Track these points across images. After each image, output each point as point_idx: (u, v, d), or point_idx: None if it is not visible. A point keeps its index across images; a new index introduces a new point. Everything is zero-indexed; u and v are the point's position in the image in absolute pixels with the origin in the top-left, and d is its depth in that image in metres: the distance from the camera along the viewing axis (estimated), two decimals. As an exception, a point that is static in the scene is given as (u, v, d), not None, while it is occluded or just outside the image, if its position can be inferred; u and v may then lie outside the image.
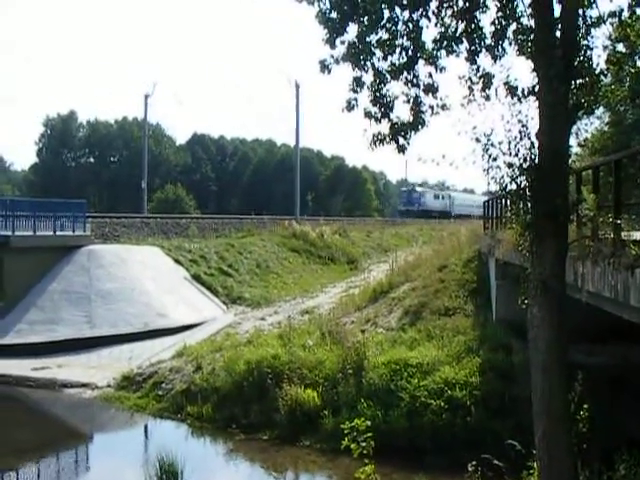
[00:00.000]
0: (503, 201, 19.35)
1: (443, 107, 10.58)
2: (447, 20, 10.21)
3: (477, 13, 10.10)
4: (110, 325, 27.51)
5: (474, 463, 12.15)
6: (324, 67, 10.66)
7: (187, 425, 19.13)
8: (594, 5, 9.60)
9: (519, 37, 9.86)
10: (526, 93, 9.74)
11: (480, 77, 10.28)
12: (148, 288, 30.22)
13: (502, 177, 9.71)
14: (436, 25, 10.27)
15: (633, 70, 16.95)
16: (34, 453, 18.08)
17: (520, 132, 9.53)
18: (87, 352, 25.71)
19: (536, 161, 9.44)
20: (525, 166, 9.47)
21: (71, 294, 29.01)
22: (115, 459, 17.96)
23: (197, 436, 18.73)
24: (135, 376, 22.43)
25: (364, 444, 11.54)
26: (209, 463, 17.36)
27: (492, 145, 9.62)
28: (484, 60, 10.24)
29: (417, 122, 10.61)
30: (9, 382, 23.31)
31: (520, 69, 10.61)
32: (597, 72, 9.60)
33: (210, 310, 30.99)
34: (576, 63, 9.35)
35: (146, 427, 20.40)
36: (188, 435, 18.78)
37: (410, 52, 10.40)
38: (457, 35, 10.21)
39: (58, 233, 31.09)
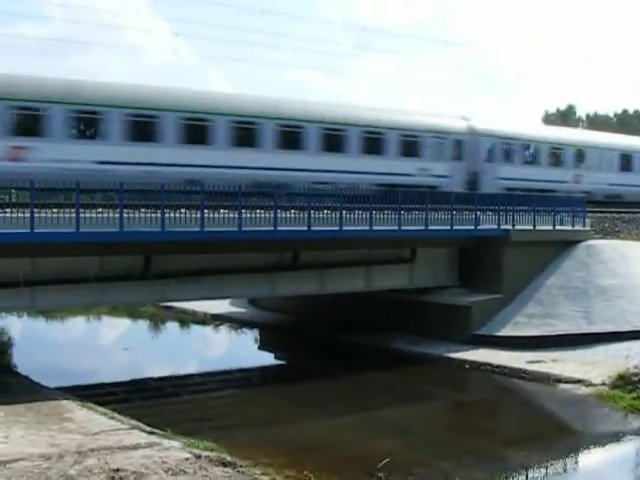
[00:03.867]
0: None
1: None
2: None
3: None
4: (608, 322, 26.48)
5: None
6: None
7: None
8: None
9: None
10: None
11: None
12: (649, 285, 28.48)
13: None
14: None
15: None
16: (524, 444, 18.17)
17: None
18: (583, 348, 25.15)
19: None
20: None
21: (569, 289, 28.63)
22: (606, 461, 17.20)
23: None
24: (631, 375, 21.31)
25: None
26: None
27: None
28: None
29: None
30: (505, 373, 23.88)
31: None
32: None
33: None
34: None
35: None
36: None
37: None
38: None
39: (557, 227, 30.90)
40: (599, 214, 35.90)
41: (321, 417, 20.00)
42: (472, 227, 28.54)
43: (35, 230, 19.16)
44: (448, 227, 27.67)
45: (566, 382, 22.30)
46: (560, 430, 20.13)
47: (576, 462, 17.54)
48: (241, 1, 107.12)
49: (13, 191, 21.64)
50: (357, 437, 17.90)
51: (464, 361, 25.33)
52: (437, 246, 29.17)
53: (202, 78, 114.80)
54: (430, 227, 26.99)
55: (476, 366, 24.83)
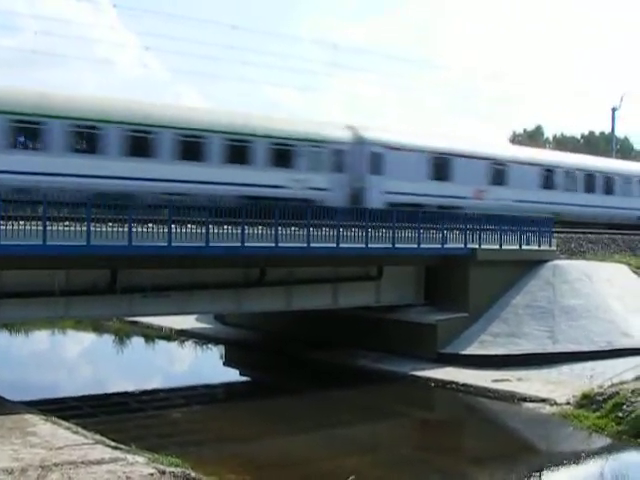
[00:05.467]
0: None
1: None
2: None
3: None
4: (572, 342, 26.73)
5: None
6: None
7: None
8: None
9: None
10: None
11: None
12: (613, 306, 28.79)
13: None
14: None
15: None
16: (489, 462, 18.28)
17: None
18: (547, 367, 25.31)
19: None
20: None
21: (535, 308, 28.84)
22: None
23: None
24: (595, 395, 21.37)
25: None
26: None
27: None
28: None
29: None
30: (470, 392, 23.93)
31: None
32: None
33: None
34: None
35: (604, 449, 19.36)
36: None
37: None
38: None
39: (524, 247, 31.18)
40: (565, 234, 36.29)
41: (287, 434, 19.92)
42: (439, 246, 28.66)
43: (0, 242, 18.99)
44: (415, 245, 27.76)
45: (531, 401, 22.41)
46: (524, 449, 20.23)
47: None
48: (213, 16, 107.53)
49: None
50: (323, 454, 17.88)
51: (430, 379, 25.36)
52: (404, 264, 29.26)
53: (173, 93, 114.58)
54: (397, 245, 27.10)
55: (442, 384, 24.87)
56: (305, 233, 24.65)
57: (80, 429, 16.49)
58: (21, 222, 19.67)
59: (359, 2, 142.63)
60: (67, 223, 20.83)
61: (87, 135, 27.55)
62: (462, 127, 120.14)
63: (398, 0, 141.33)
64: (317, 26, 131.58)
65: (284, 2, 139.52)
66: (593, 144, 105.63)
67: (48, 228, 19.65)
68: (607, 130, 70.32)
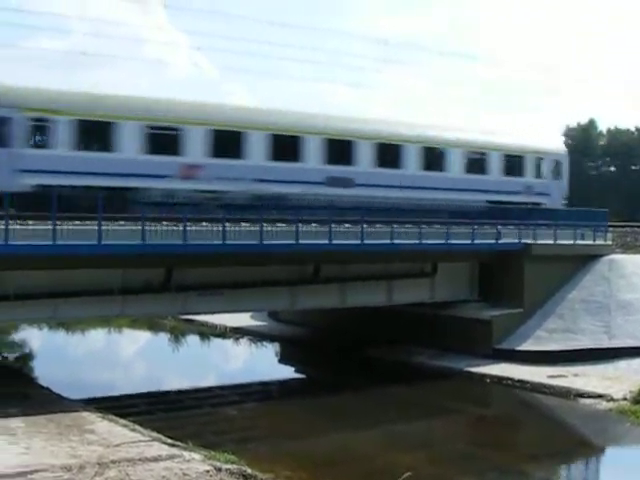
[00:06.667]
0: None
1: None
2: None
3: None
4: (629, 336, 26.36)
5: None
6: None
7: None
8: None
9: None
10: None
11: None
12: (670, 300, 28.29)
13: None
14: None
15: None
16: (546, 459, 18.08)
17: None
18: (604, 363, 25.04)
19: None
20: None
21: (590, 303, 28.51)
22: (628, 476, 17.05)
23: None
24: (653, 390, 21.13)
25: None
26: None
27: None
28: None
29: None
30: (526, 388, 23.75)
31: None
32: None
33: None
34: None
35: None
36: None
37: None
38: None
39: (579, 242, 30.79)
40: (620, 229, 35.75)
41: (342, 430, 19.94)
42: (493, 241, 28.46)
43: (57, 242, 19.35)
44: (469, 241, 27.62)
45: (587, 397, 22.15)
46: (581, 445, 20.03)
47: (597, 478, 17.44)
48: (261, 14, 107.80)
49: None
50: (378, 451, 17.83)
51: (485, 375, 25.22)
52: (458, 260, 29.10)
53: (222, 91, 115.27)
54: (450, 241, 26.98)
55: (497, 380, 24.70)
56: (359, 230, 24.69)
57: (137, 426, 16.73)
58: (77, 222, 20.03)
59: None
60: (122, 223, 21.18)
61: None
62: (509, 123, 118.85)
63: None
64: (365, 21, 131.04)
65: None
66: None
67: (103, 228, 19.95)
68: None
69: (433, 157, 31.92)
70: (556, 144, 36.98)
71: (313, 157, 28.40)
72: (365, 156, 29.75)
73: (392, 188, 29.70)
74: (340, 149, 29.16)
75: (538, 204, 34.04)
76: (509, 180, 33.55)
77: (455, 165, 32.40)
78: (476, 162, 33.05)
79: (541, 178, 34.87)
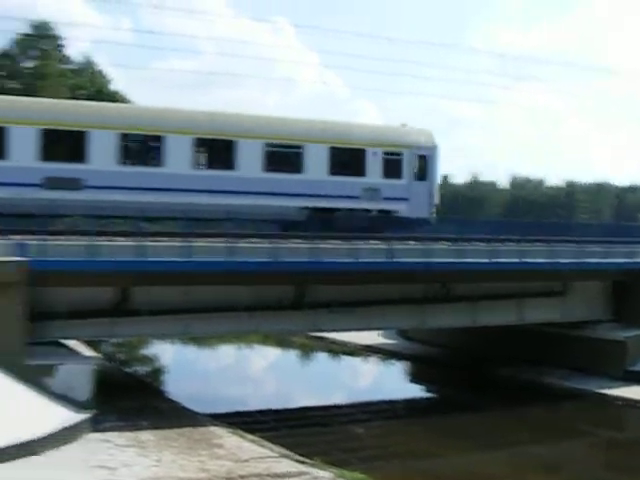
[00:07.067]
0: None
1: None
2: None
3: None
4: None
5: None
6: None
7: None
8: None
9: None
10: None
11: None
12: None
13: None
14: None
15: None
16: None
17: None
18: None
19: None
20: None
21: None
22: None
23: None
24: None
25: None
26: None
27: None
28: None
29: None
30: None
31: None
32: None
33: None
34: None
35: None
36: None
37: None
38: None
39: None
40: None
41: (469, 450, 19.51)
42: (627, 260, 27.39)
43: (192, 258, 19.76)
44: (600, 260, 26.63)
45: None
46: None
47: None
48: (389, 32, 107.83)
49: None
50: (507, 471, 17.49)
51: (617, 398, 24.40)
52: (590, 279, 28.12)
53: (351, 110, 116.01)
54: (583, 260, 26.11)
55: (631, 403, 23.80)
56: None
57: (265, 442, 16.79)
58: (209, 239, 20.40)
59: (525, 10, 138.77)
60: (253, 240, 21.43)
61: None
62: None
63: (564, 7, 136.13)
64: (490, 37, 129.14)
65: (456, 15, 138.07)
66: None
67: (233, 245, 20.24)
68: None
69: (216, 151, 25.23)
70: (422, 136, 28.62)
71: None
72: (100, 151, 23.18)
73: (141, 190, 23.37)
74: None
75: (388, 212, 27.18)
76: (338, 180, 26.36)
77: (249, 161, 25.22)
78: (283, 157, 26.14)
79: (394, 178, 27.46)
